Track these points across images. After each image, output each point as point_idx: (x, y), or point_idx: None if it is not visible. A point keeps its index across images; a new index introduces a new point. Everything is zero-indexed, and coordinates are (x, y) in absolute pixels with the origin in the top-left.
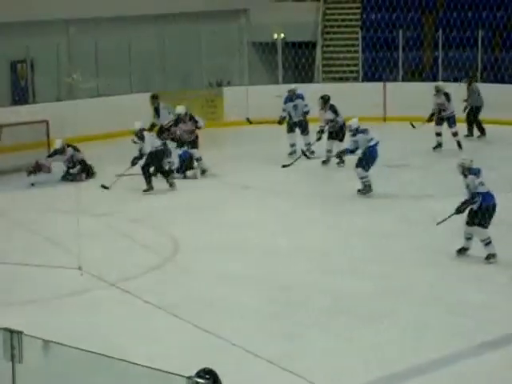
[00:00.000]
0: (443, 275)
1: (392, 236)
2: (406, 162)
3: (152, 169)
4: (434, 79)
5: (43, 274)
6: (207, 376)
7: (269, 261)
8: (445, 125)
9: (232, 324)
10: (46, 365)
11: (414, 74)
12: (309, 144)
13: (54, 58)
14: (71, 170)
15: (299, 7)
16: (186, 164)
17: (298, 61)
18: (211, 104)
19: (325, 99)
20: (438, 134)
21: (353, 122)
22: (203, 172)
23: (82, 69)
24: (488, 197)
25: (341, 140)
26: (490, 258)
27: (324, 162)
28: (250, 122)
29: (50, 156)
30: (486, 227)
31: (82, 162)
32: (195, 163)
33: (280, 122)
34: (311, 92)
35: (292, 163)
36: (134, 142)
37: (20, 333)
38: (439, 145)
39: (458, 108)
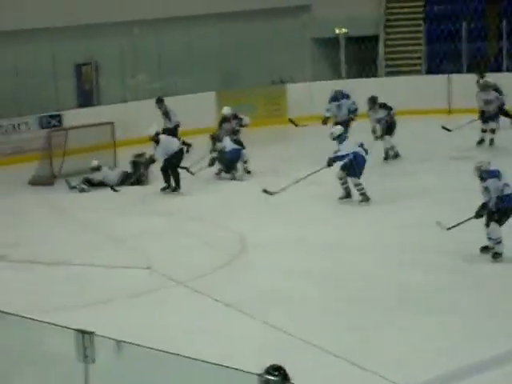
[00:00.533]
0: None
1: (462, 228)
2: (470, 154)
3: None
4: (499, 70)
5: (112, 275)
6: (276, 373)
7: (334, 255)
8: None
9: (299, 319)
10: (118, 365)
11: (478, 65)
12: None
13: (118, 59)
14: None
15: (361, 1)
16: (233, 164)
17: (360, 55)
18: (274, 101)
19: (373, 99)
20: (485, 131)
21: (335, 129)
22: (248, 173)
23: (145, 70)
24: (510, 199)
25: (391, 134)
26: (496, 256)
27: (385, 159)
28: (294, 123)
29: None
30: (500, 225)
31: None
32: (239, 164)
33: (324, 122)
34: (374, 86)
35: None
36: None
37: (91, 333)
38: (482, 140)
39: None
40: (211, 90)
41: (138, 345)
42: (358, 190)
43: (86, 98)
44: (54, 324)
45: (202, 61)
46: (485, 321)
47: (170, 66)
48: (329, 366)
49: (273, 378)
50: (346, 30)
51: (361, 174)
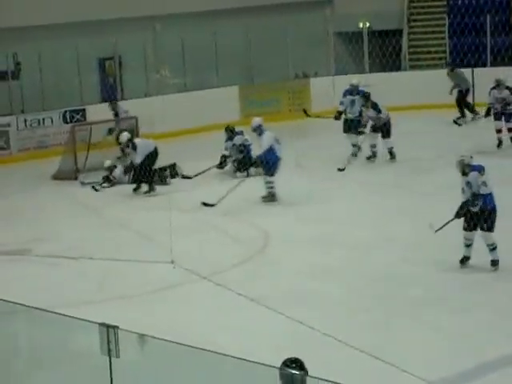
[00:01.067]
0: None
1: None
2: (494, 149)
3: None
4: None
5: (136, 269)
6: (293, 365)
7: (358, 252)
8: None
9: (322, 315)
10: (142, 359)
11: (503, 58)
12: (355, 145)
13: (142, 54)
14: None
15: None
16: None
17: (384, 49)
18: (298, 96)
19: (365, 97)
20: (499, 131)
21: (254, 121)
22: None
23: (169, 64)
24: (489, 199)
25: (384, 136)
26: (495, 264)
27: (369, 158)
28: (306, 114)
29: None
30: (491, 231)
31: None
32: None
33: (337, 118)
34: (398, 80)
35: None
36: (125, 155)
37: (116, 327)
38: (501, 142)
39: None
40: (234, 84)
41: (162, 339)
42: (267, 189)
43: (110, 93)
44: (78, 318)
45: (225, 55)
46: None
47: (194, 60)
48: (353, 361)
49: (293, 371)
50: (370, 24)
51: (275, 171)
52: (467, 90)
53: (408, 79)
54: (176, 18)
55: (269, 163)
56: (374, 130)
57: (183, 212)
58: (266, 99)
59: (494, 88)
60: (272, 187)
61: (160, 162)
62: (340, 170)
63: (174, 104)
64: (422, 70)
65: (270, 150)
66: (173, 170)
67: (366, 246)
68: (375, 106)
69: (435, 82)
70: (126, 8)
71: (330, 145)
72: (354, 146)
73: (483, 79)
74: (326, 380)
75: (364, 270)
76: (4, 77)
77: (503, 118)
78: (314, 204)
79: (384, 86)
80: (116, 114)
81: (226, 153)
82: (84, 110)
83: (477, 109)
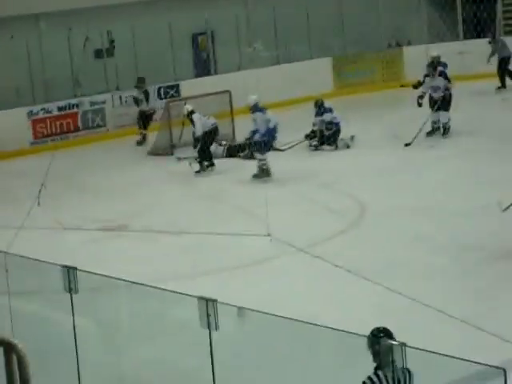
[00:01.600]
0: None
1: None
2: None
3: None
4: None
5: (233, 243)
6: (381, 334)
7: (455, 221)
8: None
9: (422, 285)
10: (241, 331)
11: None
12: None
13: (234, 28)
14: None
15: None
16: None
17: (479, 15)
18: (391, 65)
19: (433, 65)
20: None
21: (249, 99)
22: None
23: (261, 38)
24: None
25: (446, 109)
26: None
27: (429, 134)
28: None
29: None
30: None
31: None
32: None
33: (415, 86)
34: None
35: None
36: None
37: (215, 301)
38: None
39: None
40: (327, 55)
41: (260, 311)
42: (259, 166)
43: (203, 68)
44: (177, 292)
45: (318, 27)
46: None
47: (286, 32)
48: (454, 331)
49: (394, 341)
50: None
51: (267, 150)
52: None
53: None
54: None
55: (268, 141)
56: (436, 104)
57: (280, 184)
58: (359, 70)
59: None
60: (265, 163)
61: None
62: (407, 144)
63: (266, 77)
64: None
65: (271, 130)
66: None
67: (463, 215)
68: (445, 75)
69: None
70: None
71: (424, 115)
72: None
73: None
74: (414, 347)
75: (462, 238)
76: (99, 54)
77: None
78: (409, 174)
79: (478, 52)
80: (147, 96)
81: (315, 128)
82: (178, 85)
83: None
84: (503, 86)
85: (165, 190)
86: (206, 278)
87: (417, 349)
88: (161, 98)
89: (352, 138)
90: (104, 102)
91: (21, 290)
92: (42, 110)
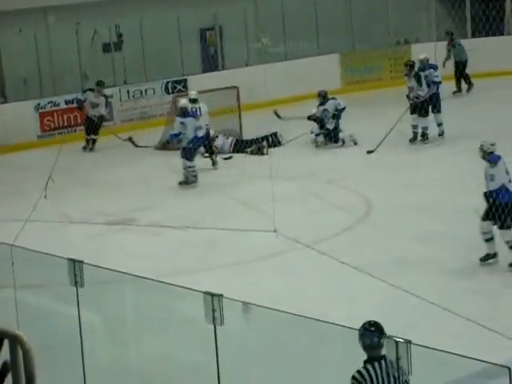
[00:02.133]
0: None
1: None
2: None
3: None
4: None
5: (239, 238)
6: (372, 328)
7: (461, 219)
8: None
9: (427, 282)
10: (246, 326)
11: None
12: (440, 124)
13: (242, 23)
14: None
15: None
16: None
17: (487, 13)
18: (400, 62)
19: (410, 65)
20: None
21: (180, 103)
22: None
23: (269, 33)
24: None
25: (423, 115)
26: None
27: (411, 141)
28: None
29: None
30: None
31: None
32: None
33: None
34: (501, 45)
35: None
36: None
37: (220, 296)
38: None
39: None
40: (335, 52)
41: (266, 307)
42: (185, 174)
43: (211, 63)
44: (183, 287)
45: (325, 23)
46: None
47: (294, 28)
48: (458, 329)
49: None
50: None
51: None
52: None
53: (511, 43)
54: None
55: (194, 148)
56: (414, 109)
57: (286, 180)
58: (367, 66)
59: None
60: (194, 170)
61: (261, 132)
62: (369, 152)
63: (274, 73)
64: None
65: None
66: (275, 139)
67: (469, 212)
68: (418, 77)
69: None
70: None
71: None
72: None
73: None
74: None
75: (468, 236)
76: (107, 48)
77: None
78: (416, 170)
79: (487, 50)
80: (107, 100)
81: (317, 114)
82: (185, 80)
83: None
84: (459, 90)
85: (172, 185)
86: (211, 273)
87: (422, 346)
88: (168, 93)
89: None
90: (111, 96)
91: (27, 283)
92: (49, 103)
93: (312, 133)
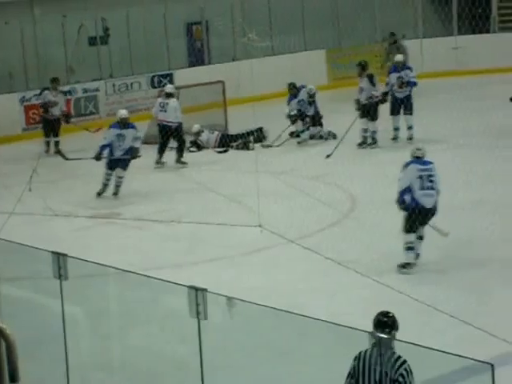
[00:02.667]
0: None
1: None
2: None
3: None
4: None
5: (224, 233)
6: (385, 319)
7: (448, 216)
8: None
9: (412, 278)
10: (230, 321)
11: None
12: (410, 128)
13: (229, 18)
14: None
15: None
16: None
17: (474, 11)
18: (386, 58)
19: (361, 65)
20: None
21: (120, 114)
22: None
23: (256, 28)
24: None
25: (373, 119)
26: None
27: (360, 145)
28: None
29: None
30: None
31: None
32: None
33: (382, 101)
34: (487, 43)
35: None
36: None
37: (204, 290)
38: None
39: None
40: (322, 48)
41: (250, 302)
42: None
43: (197, 57)
44: (167, 281)
45: (313, 19)
46: None
47: (281, 24)
48: (443, 326)
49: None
50: None
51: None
52: None
53: (497, 41)
54: None
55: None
56: (363, 112)
57: (271, 175)
58: (353, 63)
59: None
60: (108, 179)
61: (246, 127)
62: (328, 156)
63: (260, 68)
64: (511, 32)
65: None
66: (260, 134)
67: (457, 208)
68: (371, 78)
69: None
70: None
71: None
72: (395, 129)
73: None
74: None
75: (456, 232)
76: (93, 42)
77: None
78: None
79: (473, 48)
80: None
81: (294, 112)
82: (171, 74)
83: None
84: None
85: (156, 179)
86: (196, 268)
87: (405, 342)
88: (154, 87)
89: (330, 132)
90: (97, 90)
91: (10, 276)
92: (34, 95)
93: (298, 136)
